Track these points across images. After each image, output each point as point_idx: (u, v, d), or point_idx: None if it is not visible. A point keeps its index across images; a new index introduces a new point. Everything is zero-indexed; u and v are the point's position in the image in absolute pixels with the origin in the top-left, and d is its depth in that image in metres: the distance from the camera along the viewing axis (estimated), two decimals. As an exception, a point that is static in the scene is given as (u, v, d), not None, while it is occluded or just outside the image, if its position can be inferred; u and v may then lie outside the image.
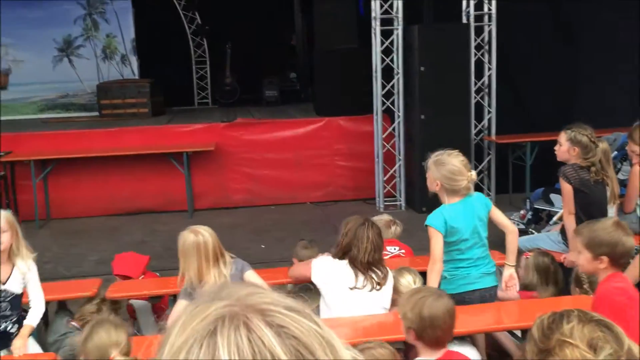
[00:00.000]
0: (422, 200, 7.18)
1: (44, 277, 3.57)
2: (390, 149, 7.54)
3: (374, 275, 3.32)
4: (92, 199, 7.45)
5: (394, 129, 7.54)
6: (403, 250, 4.30)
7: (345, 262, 3.35)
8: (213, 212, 7.46)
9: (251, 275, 3.42)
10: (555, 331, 1.56)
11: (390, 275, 3.43)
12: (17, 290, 3.28)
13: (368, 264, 3.31)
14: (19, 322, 3.32)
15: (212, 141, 7.66)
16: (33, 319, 3.32)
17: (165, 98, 9.56)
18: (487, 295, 3.49)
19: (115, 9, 10.09)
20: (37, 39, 9.90)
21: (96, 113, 9.42)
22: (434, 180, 3.41)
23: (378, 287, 3.33)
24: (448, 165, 3.36)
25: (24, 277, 3.28)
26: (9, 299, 3.25)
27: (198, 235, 3.25)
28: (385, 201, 7.56)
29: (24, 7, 9.79)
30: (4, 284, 3.23)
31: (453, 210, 3.38)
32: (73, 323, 3.75)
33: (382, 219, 4.42)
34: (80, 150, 7.49)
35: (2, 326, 3.26)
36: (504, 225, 3.55)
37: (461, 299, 3.33)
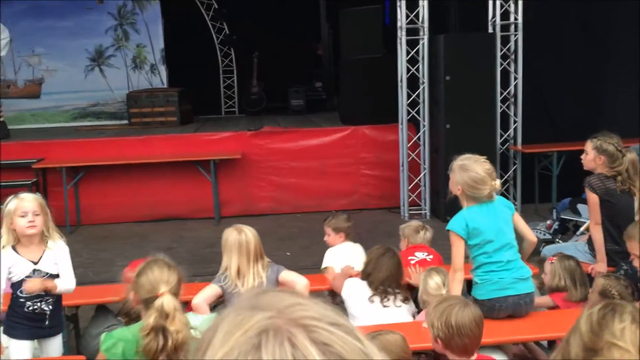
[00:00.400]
0: (447, 210, 7.17)
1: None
2: (415, 158, 7.55)
3: (389, 298, 3.57)
4: (120, 206, 7.58)
5: (419, 138, 7.55)
6: (431, 256, 4.34)
7: (365, 283, 3.65)
8: (239, 219, 7.49)
9: (287, 274, 3.47)
10: (604, 329, 1.45)
11: (409, 301, 3.65)
12: (51, 270, 3.32)
13: (385, 291, 3.57)
14: (54, 304, 3.37)
15: (239, 149, 7.75)
16: (59, 282, 3.33)
17: (193, 107, 9.71)
18: (522, 303, 3.36)
19: (146, 19, 10.29)
20: (69, 49, 10.14)
21: (126, 121, 9.60)
22: (455, 184, 3.40)
23: (396, 301, 3.58)
24: (472, 172, 3.33)
25: (56, 257, 3.34)
26: (43, 278, 3.31)
27: (241, 234, 3.33)
28: (410, 210, 7.56)
29: (57, 18, 10.04)
30: (36, 263, 3.29)
31: (474, 212, 3.35)
32: (119, 318, 3.85)
33: (410, 224, 4.62)
34: (109, 157, 7.64)
35: (37, 306, 3.31)
36: (525, 233, 3.53)
37: (491, 306, 3.28)
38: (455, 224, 3.36)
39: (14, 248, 3.28)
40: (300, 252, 6.37)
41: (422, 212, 7.56)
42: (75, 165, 7.51)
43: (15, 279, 3.28)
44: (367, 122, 7.99)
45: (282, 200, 7.90)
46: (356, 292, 3.66)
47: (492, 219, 3.35)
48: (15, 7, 9.91)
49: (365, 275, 3.68)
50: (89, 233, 7.34)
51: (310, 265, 5.36)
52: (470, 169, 3.34)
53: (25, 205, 3.24)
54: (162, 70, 10.44)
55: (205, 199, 7.59)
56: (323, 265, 4.43)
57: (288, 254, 6.40)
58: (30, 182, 7.17)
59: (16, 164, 7.42)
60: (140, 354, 2.49)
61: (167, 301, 2.50)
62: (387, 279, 3.58)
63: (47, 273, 3.32)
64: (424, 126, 7.46)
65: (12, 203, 3.26)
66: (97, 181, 7.56)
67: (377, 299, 3.57)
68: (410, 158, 7.52)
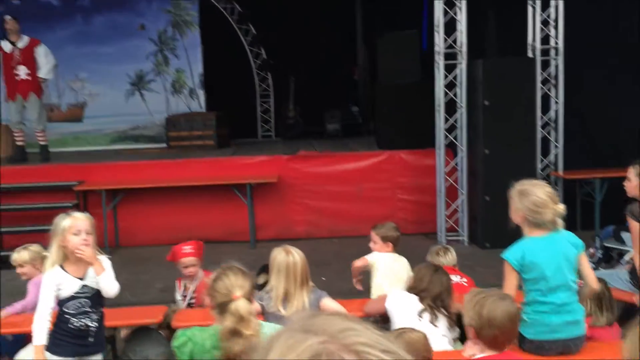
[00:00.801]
0: (485, 236, 7.06)
1: (110, 304, 3.67)
2: (453, 183, 7.46)
3: (438, 318, 3.45)
4: (158, 228, 7.65)
5: (456, 163, 7.46)
6: (465, 279, 4.26)
7: (416, 297, 3.51)
8: (274, 243, 7.46)
9: (329, 301, 3.44)
10: None
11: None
12: (97, 286, 3.36)
13: (436, 308, 3.45)
14: (98, 321, 3.40)
15: (275, 173, 7.78)
16: (108, 270, 3.37)
17: (230, 130, 9.80)
18: (572, 345, 3.21)
19: (185, 45, 10.48)
20: (111, 74, 10.37)
21: (164, 145, 9.74)
22: (516, 212, 3.25)
23: (444, 322, 3.46)
24: (532, 197, 3.19)
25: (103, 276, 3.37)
26: (88, 294, 3.35)
27: (289, 255, 3.32)
28: (448, 236, 7.45)
29: (100, 44, 10.30)
30: (82, 279, 3.34)
31: (534, 244, 3.19)
32: (159, 332, 3.88)
33: (431, 248, 4.58)
34: (148, 180, 7.74)
35: (82, 322, 3.34)
36: (587, 278, 3.30)
37: (540, 345, 3.17)
38: (511, 253, 3.21)
39: (61, 267, 3.34)
40: (335, 277, 6.31)
41: (460, 238, 7.44)
42: (114, 188, 7.62)
43: (63, 295, 3.32)
44: (404, 146, 7.95)
45: (318, 225, 7.87)
46: (405, 305, 3.52)
47: (553, 254, 3.18)
48: (60, 33, 10.22)
49: (417, 290, 3.55)
50: (127, 255, 7.41)
51: (346, 291, 5.29)
52: (531, 192, 3.20)
53: (79, 223, 3.31)
54: (201, 94, 10.60)
55: (241, 222, 7.62)
56: (361, 262, 4.36)
57: (323, 279, 6.34)
58: (71, 204, 7.29)
59: (58, 186, 7.57)
60: (211, 354, 2.59)
61: (242, 305, 2.58)
62: (440, 296, 3.46)
63: (93, 289, 3.36)
64: (461, 151, 7.38)
65: (66, 221, 3.31)
66: (135, 203, 7.65)
67: (427, 315, 3.43)
68: (448, 183, 7.44)
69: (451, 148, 7.51)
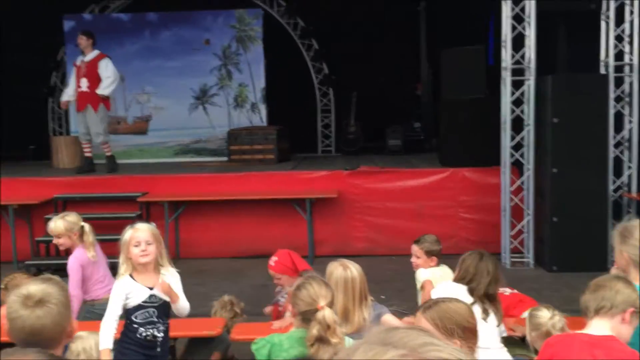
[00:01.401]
0: (553, 258, 6.79)
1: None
2: (519, 202, 7.22)
3: (490, 307, 3.35)
4: (218, 241, 7.70)
5: (522, 182, 7.22)
6: (515, 290, 4.17)
7: (465, 288, 3.40)
8: (333, 259, 7.42)
9: (390, 318, 3.37)
10: None
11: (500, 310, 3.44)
12: (165, 297, 3.39)
13: (486, 295, 3.35)
14: (165, 332, 3.42)
15: (335, 188, 7.72)
16: (181, 297, 3.42)
17: (290, 145, 9.82)
18: None
19: (248, 59, 10.61)
20: (176, 88, 10.59)
21: (225, 158, 9.84)
22: (620, 253, 3.02)
23: (493, 319, 3.36)
24: (636, 234, 2.95)
25: (170, 284, 3.39)
26: (156, 304, 3.37)
27: (347, 270, 3.23)
28: (512, 257, 7.20)
29: (166, 59, 10.56)
30: (152, 289, 3.36)
31: None
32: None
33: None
34: (209, 193, 7.81)
35: (149, 332, 3.36)
36: None
37: None
38: None
39: (131, 276, 3.38)
40: (394, 296, 6.17)
41: (525, 260, 7.17)
42: (176, 199, 7.72)
43: (131, 304, 3.35)
44: (468, 164, 7.76)
45: (377, 242, 7.75)
46: (454, 294, 3.34)
47: None
48: (129, 47, 10.53)
49: (465, 281, 3.42)
50: (187, 267, 7.44)
51: (406, 309, 5.17)
52: (634, 231, 2.97)
53: (139, 235, 3.35)
54: (262, 108, 10.68)
55: (300, 237, 7.57)
56: (429, 286, 4.13)
57: (383, 297, 6.21)
58: (134, 214, 7.43)
59: (123, 197, 7.73)
60: (289, 353, 2.71)
61: (328, 314, 2.66)
62: (491, 283, 3.36)
63: (162, 300, 3.38)
64: (528, 170, 7.14)
65: (128, 233, 3.37)
66: (196, 216, 7.73)
67: (478, 309, 3.26)
68: (513, 203, 7.20)
69: (517, 166, 7.28)
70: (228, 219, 7.77)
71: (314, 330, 2.62)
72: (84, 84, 8.49)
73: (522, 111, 7.06)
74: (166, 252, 3.47)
